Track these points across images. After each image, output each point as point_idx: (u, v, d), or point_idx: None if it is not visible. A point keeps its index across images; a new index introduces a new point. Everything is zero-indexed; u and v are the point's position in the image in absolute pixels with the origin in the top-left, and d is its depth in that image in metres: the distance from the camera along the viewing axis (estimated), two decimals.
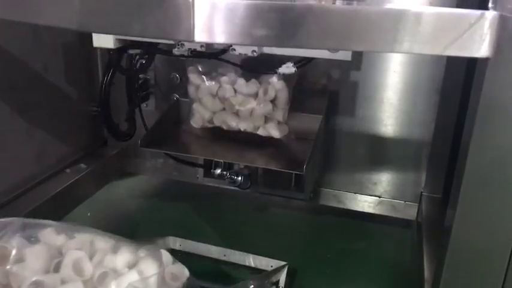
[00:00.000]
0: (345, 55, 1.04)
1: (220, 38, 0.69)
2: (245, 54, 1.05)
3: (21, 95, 1.24)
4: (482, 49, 0.66)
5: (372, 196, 1.43)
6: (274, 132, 1.24)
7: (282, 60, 1.14)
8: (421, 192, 1.38)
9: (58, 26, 0.74)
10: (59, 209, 1.32)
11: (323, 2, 0.81)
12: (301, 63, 1.13)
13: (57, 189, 1.34)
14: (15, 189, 1.26)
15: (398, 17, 0.67)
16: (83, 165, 1.47)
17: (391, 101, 1.33)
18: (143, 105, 1.45)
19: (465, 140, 0.78)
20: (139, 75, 1.41)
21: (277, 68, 1.14)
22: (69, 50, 1.38)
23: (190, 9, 0.66)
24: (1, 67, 1.17)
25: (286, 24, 0.67)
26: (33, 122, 1.28)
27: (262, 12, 0.67)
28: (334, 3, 0.74)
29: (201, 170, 1.45)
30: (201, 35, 0.68)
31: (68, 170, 1.44)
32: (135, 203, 1.52)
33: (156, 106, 1.51)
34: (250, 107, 1.22)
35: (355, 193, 1.44)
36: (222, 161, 1.30)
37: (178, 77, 1.44)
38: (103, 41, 1.09)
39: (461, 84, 1.24)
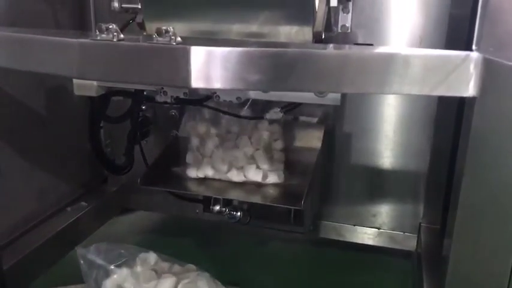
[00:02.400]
0: (334, 99, 1.03)
1: (216, 83, 0.71)
2: (229, 101, 1.07)
3: (22, 137, 1.26)
4: (469, 89, 0.69)
5: (371, 228, 1.43)
6: (274, 179, 1.25)
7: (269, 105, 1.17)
8: (420, 223, 1.38)
9: (59, 74, 0.76)
10: (60, 248, 1.33)
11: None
12: (289, 108, 1.15)
13: (58, 228, 1.35)
14: (16, 229, 1.27)
15: (388, 60, 0.69)
16: (83, 203, 1.48)
17: (387, 133, 1.35)
18: (143, 142, 1.47)
19: (458, 174, 0.80)
20: (139, 113, 1.43)
21: (265, 114, 1.16)
22: (68, 91, 1.40)
23: (186, 57, 0.69)
24: (3, 109, 1.19)
25: (279, 69, 0.70)
26: (33, 162, 1.30)
27: (255, 58, 0.70)
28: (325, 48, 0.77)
29: (200, 205, 1.46)
30: (197, 82, 0.71)
31: (68, 209, 1.45)
32: (136, 239, 1.52)
33: (155, 142, 1.53)
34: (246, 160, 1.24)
35: (354, 225, 1.45)
36: (220, 197, 1.31)
37: (177, 114, 1.46)
38: (85, 89, 1.09)
39: (454, 114, 1.26)
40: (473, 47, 0.69)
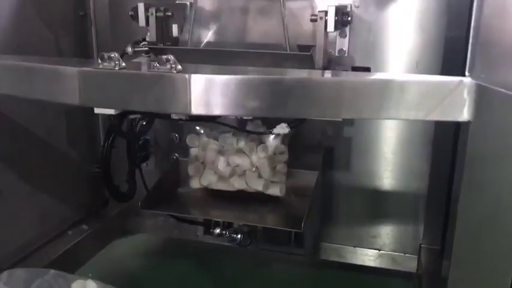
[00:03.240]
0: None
1: (215, 110, 0.73)
2: (241, 117, 1.10)
3: (25, 160, 1.27)
4: (463, 114, 0.70)
5: (372, 249, 1.44)
6: (275, 190, 1.26)
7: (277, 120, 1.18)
8: (420, 244, 1.39)
9: (62, 102, 0.78)
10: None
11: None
12: (295, 123, 1.17)
13: (59, 251, 1.35)
14: (18, 253, 1.28)
15: (384, 86, 0.71)
16: (84, 227, 1.49)
17: (386, 154, 1.36)
18: (143, 164, 1.49)
19: (455, 195, 0.81)
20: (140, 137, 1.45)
21: (272, 129, 1.18)
22: (71, 114, 1.42)
23: (186, 84, 0.71)
24: (5, 133, 1.21)
25: (277, 96, 0.71)
26: (35, 186, 1.31)
27: (253, 85, 0.71)
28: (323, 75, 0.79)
29: (201, 228, 1.47)
30: (197, 108, 0.72)
31: (69, 232, 1.45)
32: (137, 262, 1.52)
33: (156, 165, 1.54)
34: (250, 167, 1.25)
35: (355, 247, 1.45)
36: (221, 220, 1.32)
37: (178, 137, 1.48)
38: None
39: (452, 136, 1.27)
40: (466, 73, 0.70)
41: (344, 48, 1.27)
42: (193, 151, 1.32)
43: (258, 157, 1.25)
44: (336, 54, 1.28)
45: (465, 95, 0.69)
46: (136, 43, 1.27)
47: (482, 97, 0.67)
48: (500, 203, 0.72)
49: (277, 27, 1.24)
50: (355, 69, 1.27)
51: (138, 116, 1.24)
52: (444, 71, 1.19)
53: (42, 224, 1.36)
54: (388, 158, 1.37)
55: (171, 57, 0.73)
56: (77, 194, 1.51)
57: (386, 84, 0.71)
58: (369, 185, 1.39)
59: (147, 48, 1.19)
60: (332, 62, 1.24)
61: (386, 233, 1.42)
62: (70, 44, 1.40)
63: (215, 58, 1.10)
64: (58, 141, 1.40)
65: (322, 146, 1.37)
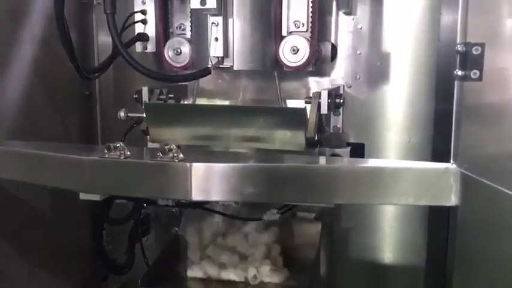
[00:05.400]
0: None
1: (215, 196, 0.77)
2: (227, 204, 1.12)
3: (26, 239, 1.28)
4: (451, 199, 0.74)
5: None
6: (274, 278, 1.27)
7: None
8: None
9: (69, 189, 0.82)
10: None
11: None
12: (285, 209, 1.20)
13: None
14: None
15: (376, 174, 0.75)
16: None
17: (384, 228, 1.38)
18: (144, 238, 1.50)
19: (449, 273, 0.83)
20: (140, 214, 1.47)
21: (262, 215, 1.21)
22: (71, 193, 1.44)
23: (187, 173, 0.75)
24: (7, 212, 1.22)
25: (273, 183, 0.75)
26: (36, 264, 1.32)
27: (251, 173, 0.76)
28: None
29: None
30: (197, 195, 0.76)
31: None
32: None
33: (156, 239, 1.55)
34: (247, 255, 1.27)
35: None
36: None
37: (178, 211, 1.50)
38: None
39: (446, 211, 1.29)
40: (451, 161, 0.74)
41: (338, 125, 1.32)
42: (192, 239, 1.34)
43: (253, 249, 1.27)
44: (331, 130, 1.32)
45: (451, 181, 0.73)
46: (140, 122, 1.32)
47: (467, 185, 0.70)
48: (491, 279, 0.74)
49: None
50: (350, 145, 1.31)
51: (124, 201, 1.27)
52: (435, 144, 1.23)
53: None
54: (386, 232, 1.38)
55: (173, 146, 0.77)
56: (77, 269, 1.51)
57: (378, 172, 0.75)
58: (367, 258, 1.40)
59: (142, 115, 1.20)
60: (327, 139, 1.28)
61: None
62: (75, 121, 1.46)
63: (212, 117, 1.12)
64: (59, 218, 1.41)
65: (320, 221, 1.39)
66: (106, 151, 0.79)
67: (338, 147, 1.26)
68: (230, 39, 1.13)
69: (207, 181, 0.76)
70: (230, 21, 1.12)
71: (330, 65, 1.33)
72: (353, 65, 1.31)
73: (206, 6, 0.95)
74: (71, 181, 0.81)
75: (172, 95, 1.28)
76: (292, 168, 0.75)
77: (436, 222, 1.31)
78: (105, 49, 1.44)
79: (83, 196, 1.14)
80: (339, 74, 1.33)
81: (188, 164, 0.75)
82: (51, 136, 1.33)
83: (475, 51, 0.71)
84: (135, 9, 1.30)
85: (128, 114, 1.22)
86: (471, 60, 0.71)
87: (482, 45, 0.71)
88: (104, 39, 1.47)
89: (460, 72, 0.72)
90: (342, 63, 1.32)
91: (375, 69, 1.30)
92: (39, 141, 1.19)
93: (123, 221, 1.37)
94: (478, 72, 0.71)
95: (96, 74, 1.30)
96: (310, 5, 1.14)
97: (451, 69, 0.78)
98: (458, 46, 0.72)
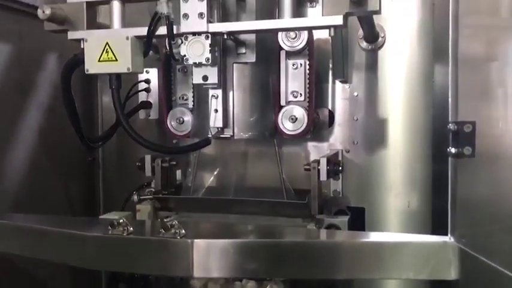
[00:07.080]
0: None
1: (215, 273, 0.77)
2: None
3: None
4: (451, 273, 0.74)
5: None
6: None
7: None
8: None
9: (73, 265, 0.83)
10: None
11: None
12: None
13: None
14: None
15: (377, 249, 0.76)
16: None
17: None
18: None
19: None
20: None
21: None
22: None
23: (189, 249, 0.76)
24: (6, 276, 1.21)
25: (274, 259, 0.76)
26: None
27: (252, 249, 0.77)
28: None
29: None
30: (199, 271, 0.77)
31: None
32: None
33: None
34: None
35: None
36: None
37: (179, 277, 1.48)
38: None
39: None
40: (449, 235, 0.75)
41: (338, 190, 1.34)
42: None
43: None
44: (331, 195, 1.34)
45: (450, 256, 0.73)
46: (141, 188, 1.35)
47: (465, 260, 0.71)
48: None
49: (274, 171, 1.32)
50: (350, 209, 1.32)
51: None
52: (435, 215, 1.23)
53: None
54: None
55: (175, 222, 0.79)
56: None
57: (378, 247, 0.75)
58: None
59: (151, 196, 1.25)
60: (328, 203, 1.29)
61: None
62: (78, 186, 1.48)
63: (215, 207, 1.16)
64: (61, 282, 1.41)
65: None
66: (110, 228, 0.80)
67: (338, 213, 1.27)
68: (230, 109, 1.17)
69: (208, 258, 0.77)
70: (230, 93, 1.16)
71: (328, 131, 1.36)
72: (350, 131, 1.34)
73: (208, 82, 0.99)
74: (74, 257, 0.82)
75: (174, 163, 1.31)
76: (293, 244, 0.76)
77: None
78: (108, 111, 1.47)
79: None
80: (337, 139, 1.36)
81: (189, 241, 0.76)
82: (54, 201, 1.35)
83: (467, 128, 0.73)
84: (139, 79, 1.35)
85: (140, 197, 1.25)
86: (463, 137, 0.73)
87: (473, 123, 0.73)
88: (107, 100, 1.52)
89: (453, 150, 0.74)
90: (339, 128, 1.35)
91: (372, 134, 1.32)
92: (43, 207, 1.21)
93: None
94: (470, 148, 0.73)
95: (99, 143, 1.33)
96: (307, 75, 1.19)
97: (446, 133, 0.79)
98: (450, 125, 0.74)
